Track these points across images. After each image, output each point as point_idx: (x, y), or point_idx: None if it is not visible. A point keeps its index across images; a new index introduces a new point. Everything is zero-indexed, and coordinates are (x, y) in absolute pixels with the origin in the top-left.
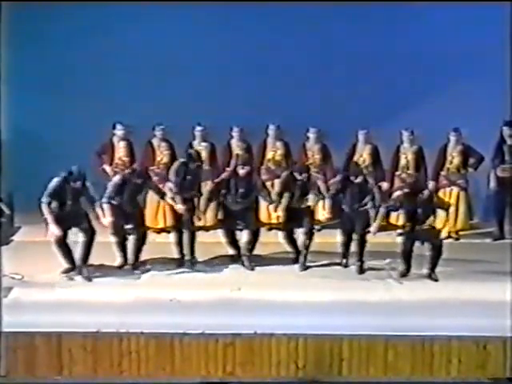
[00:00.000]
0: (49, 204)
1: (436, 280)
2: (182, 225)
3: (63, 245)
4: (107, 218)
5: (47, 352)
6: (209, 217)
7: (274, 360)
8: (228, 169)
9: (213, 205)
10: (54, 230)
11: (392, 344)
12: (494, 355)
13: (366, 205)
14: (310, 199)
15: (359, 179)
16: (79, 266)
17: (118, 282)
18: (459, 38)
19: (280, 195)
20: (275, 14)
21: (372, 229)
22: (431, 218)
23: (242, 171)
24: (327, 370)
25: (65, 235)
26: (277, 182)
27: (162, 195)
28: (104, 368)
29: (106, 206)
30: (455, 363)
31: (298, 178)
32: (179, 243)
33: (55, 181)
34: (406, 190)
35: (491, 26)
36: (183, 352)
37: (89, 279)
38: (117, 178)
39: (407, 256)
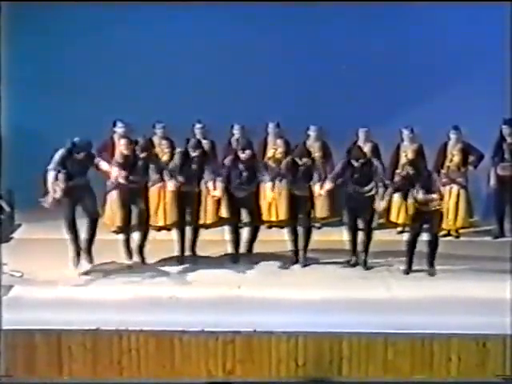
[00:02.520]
0: (56, 175)
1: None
2: (185, 222)
3: (72, 226)
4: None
5: (47, 350)
6: (209, 214)
7: (274, 358)
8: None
9: (212, 204)
10: (57, 195)
11: (392, 342)
12: (494, 353)
13: (371, 190)
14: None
15: (360, 162)
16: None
17: (118, 279)
18: (459, 38)
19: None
20: (275, 12)
21: (378, 205)
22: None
23: (243, 155)
24: (327, 368)
25: (73, 213)
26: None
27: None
28: (104, 366)
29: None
30: (455, 361)
31: (300, 163)
32: (181, 240)
33: (61, 150)
34: (409, 171)
35: (491, 26)
36: (183, 350)
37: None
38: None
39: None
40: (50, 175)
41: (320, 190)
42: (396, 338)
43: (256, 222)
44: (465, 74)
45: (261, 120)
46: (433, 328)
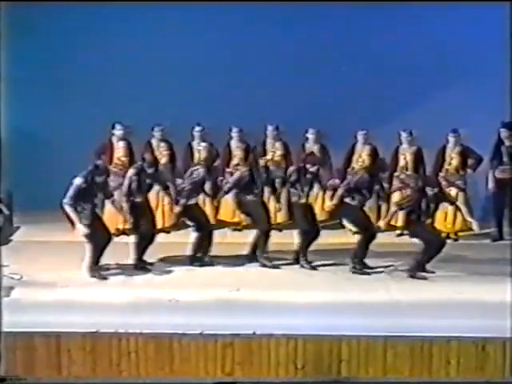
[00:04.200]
0: (72, 204)
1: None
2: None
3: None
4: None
5: (46, 352)
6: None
7: (273, 360)
8: (228, 169)
9: (212, 203)
10: (82, 229)
11: (391, 345)
12: (493, 356)
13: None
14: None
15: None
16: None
17: (117, 282)
18: (459, 38)
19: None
20: (275, 13)
21: (381, 223)
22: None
23: (262, 161)
24: (326, 370)
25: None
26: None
27: (166, 187)
28: (103, 368)
29: (125, 205)
30: (454, 364)
31: (311, 170)
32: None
33: (79, 179)
34: (415, 189)
35: (491, 26)
36: (182, 352)
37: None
38: (132, 172)
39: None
40: (69, 209)
41: (331, 199)
42: (395, 340)
43: (265, 226)
44: (464, 76)
45: (260, 123)
46: (432, 331)
